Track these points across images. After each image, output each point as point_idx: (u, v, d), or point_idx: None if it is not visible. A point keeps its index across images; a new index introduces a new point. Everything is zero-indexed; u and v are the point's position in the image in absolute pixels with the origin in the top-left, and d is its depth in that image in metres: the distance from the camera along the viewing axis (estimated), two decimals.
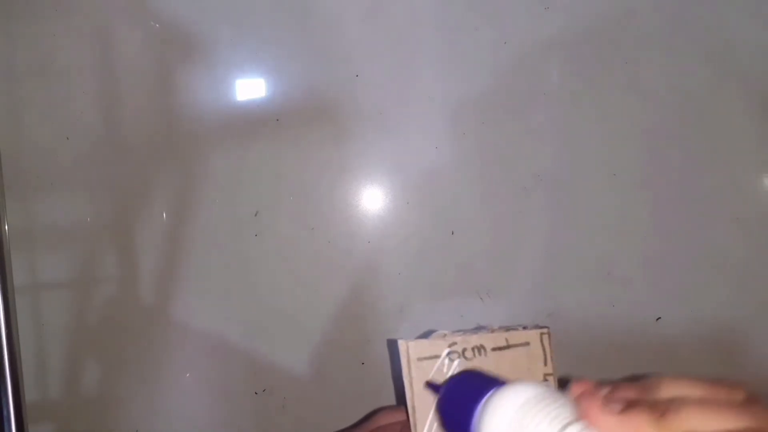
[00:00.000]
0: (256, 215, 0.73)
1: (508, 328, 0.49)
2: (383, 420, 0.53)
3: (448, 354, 0.47)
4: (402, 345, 0.47)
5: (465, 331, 0.49)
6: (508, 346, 0.48)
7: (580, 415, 0.32)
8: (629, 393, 0.33)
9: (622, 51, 0.75)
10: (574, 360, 0.72)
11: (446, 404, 0.44)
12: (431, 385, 0.47)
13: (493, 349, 0.48)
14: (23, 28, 0.73)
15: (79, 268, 0.73)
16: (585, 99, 0.75)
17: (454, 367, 0.47)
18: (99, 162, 0.73)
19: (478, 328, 0.50)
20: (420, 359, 0.47)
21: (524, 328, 0.49)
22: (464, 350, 0.47)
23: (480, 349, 0.48)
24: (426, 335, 0.48)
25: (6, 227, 0.68)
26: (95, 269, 0.73)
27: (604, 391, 0.33)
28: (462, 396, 0.41)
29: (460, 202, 0.74)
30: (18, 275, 0.69)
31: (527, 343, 0.48)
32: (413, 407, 0.46)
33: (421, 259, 0.74)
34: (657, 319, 0.74)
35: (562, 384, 0.37)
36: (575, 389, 0.34)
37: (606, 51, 0.75)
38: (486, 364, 0.48)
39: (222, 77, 0.74)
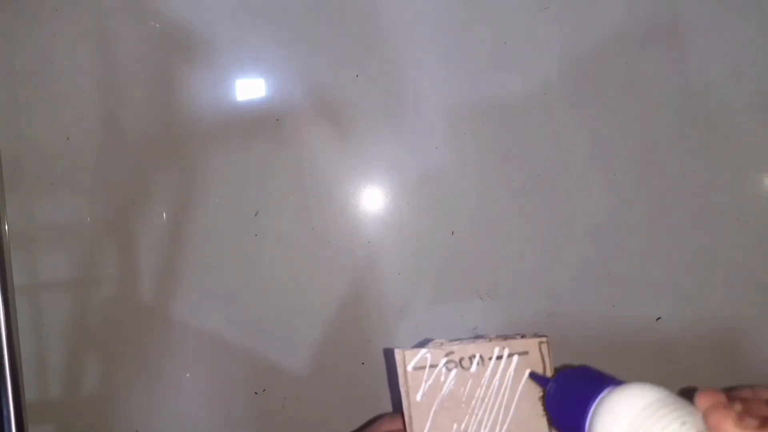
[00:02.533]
0: (256, 215, 0.73)
1: (505, 337, 0.48)
2: (383, 427, 0.52)
3: (446, 363, 0.47)
4: (398, 354, 0.47)
5: (462, 340, 0.48)
6: (506, 355, 0.48)
7: (711, 426, 0.32)
8: (764, 410, 0.32)
9: (622, 51, 0.75)
10: (574, 360, 0.72)
11: (556, 399, 0.43)
12: (536, 377, 0.46)
13: (491, 359, 0.47)
14: (23, 28, 0.73)
15: (79, 268, 0.73)
16: (585, 99, 0.75)
17: (452, 377, 0.47)
18: (99, 162, 0.73)
19: (476, 337, 0.50)
20: (417, 368, 0.46)
21: (522, 336, 0.48)
22: (461, 359, 0.47)
23: (478, 358, 0.47)
24: (423, 344, 0.48)
25: (6, 227, 0.68)
26: (95, 269, 0.73)
27: (737, 405, 0.32)
28: (574, 392, 0.40)
29: (460, 202, 0.74)
30: (18, 275, 0.69)
31: (525, 352, 0.48)
32: (410, 417, 0.46)
33: (421, 259, 0.74)
34: (657, 319, 0.74)
35: (685, 394, 0.36)
36: (704, 399, 0.33)
37: (606, 51, 0.75)
38: (484, 373, 0.47)
39: (222, 77, 0.74)
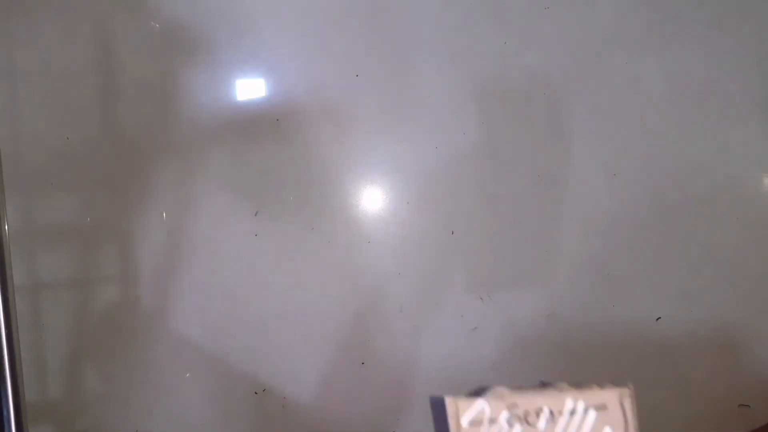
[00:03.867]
0: (256, 215, 0.73)
1: (579, 386, 0.41)
2: None
3: (507, 418, 0.40)
4: (450, 404, 0.40)
5: (526, 389, 0.42)
6: (581, 410, 0.41)
7: None
8: None
9: (622, 51, 0.75)
10: (574, 360, 0.72)
11: None
12: None
13: (562, 413, 0.41)
14: (23, 28, 0.73)
15: (79, 268, 0.73)
16: (585, 99, 0.75)
17: None
18: (99, 162, 0.73)
19: (542, 385, 0.43)
20: (472, 423, 0.40)
21: (599, 386, 0.41)
22: (526, 413, 0.40)
23: (546, 412, 0.41)
24: (479, 392, 0.42)
25: (6, 227, 0.68)
26: (95, 269, 0.73)
27: None
28: None
29: (460, 202, 0.74)
30: (18, 275, 0.68)
31: (604, 406, 0.41)
32: None
33: (421, 259, 0.74)
34: (657, 319, 0.74)
35: None
36: None
37: (606, 51, 0.75)
38: (553, 430, 0.40)
39: (222, 77, 0.74)
